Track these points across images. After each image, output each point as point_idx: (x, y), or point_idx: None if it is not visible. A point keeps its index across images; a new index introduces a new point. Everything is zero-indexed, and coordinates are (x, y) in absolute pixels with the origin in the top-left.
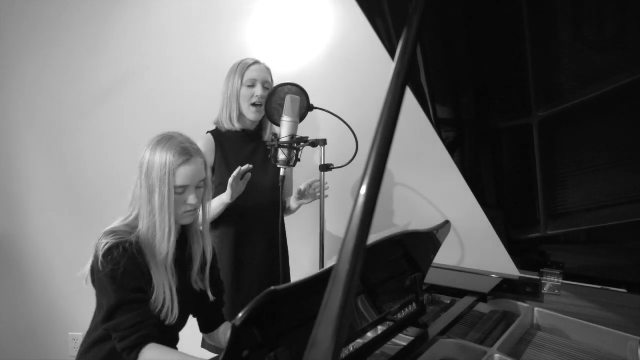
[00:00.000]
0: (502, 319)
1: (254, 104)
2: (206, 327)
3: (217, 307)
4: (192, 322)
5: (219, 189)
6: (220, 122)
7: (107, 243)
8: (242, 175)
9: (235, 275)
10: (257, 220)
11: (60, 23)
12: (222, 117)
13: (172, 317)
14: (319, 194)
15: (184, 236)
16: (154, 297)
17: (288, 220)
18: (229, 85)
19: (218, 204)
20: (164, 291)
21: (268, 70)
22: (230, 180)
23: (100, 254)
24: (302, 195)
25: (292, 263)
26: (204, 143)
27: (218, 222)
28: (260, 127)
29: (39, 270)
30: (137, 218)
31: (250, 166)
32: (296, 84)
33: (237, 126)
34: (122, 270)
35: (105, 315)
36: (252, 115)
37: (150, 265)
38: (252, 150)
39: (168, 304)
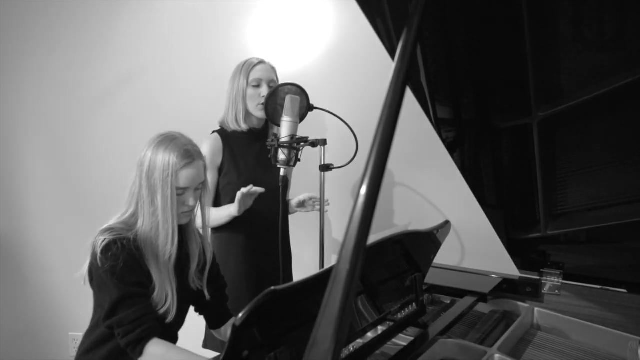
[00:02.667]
0: (502, 319)
1: (261, 104)
2: (214, 323)
3: (222, 302)
4: (194, 323)
5: (227, 189)
6: (225, 122)
7: (105, 240)
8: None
9: (245, 276)
10: (265, 219)
11: (60, 24)
12: (227, 118)
13: (171, 315)
14: (317, 208)
15: (180, 236)
16: (154, 294)
17: (289, 219)
18: (234, 85)
19: (225, 214)
20: (166, 290)
21: (273, 69)
22: (239, 195)
23: (99, 250)
24: (301, 204)
25: (292, 263)
26: (211, 143)
27: (225, 224)
28: (267, 125)
29: (39, 270)
30: (133, 215)
31: (262, 190)
32: (296, 84)
33: (244, 126)
34: (121, 265)
35: (108, 311)
36: (260, 113)
37: (150, 263)
38: (259, 149)
39: (169, 303)
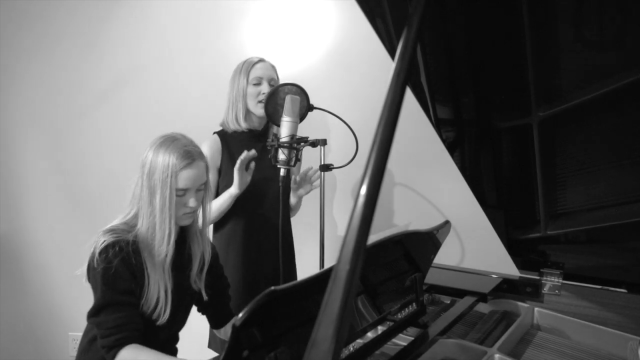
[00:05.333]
0: (502, 319)
1: (261, 101)
2: (216, 323)
3: (224, 302)
4: (199, 324)
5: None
6: (226, 123)
7: (105, 241)
8: (246, 166)
9: (244, 276)
10: (266, 220)
11: (59, 23)
12: (227, 118)
13: (164, 317)
14: (315, 182)
15: (183, 237)
16: (147, 296)
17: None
18: (235, 85)
19: (226, 197)
20: (159, 291)
21: (273, 67)
22: (236, 167)
23: (97, 251)
24: (298, 185)
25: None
26: (211, 144)
27: (226, 222)
28: (267, 127)
29: (39, 270)
30: (135, 216)
31: (254, 152)
32: (296, 84)
33: (244, 126)
34: (113, 270)
35: (92, 310)
36: (260, 111)
37: (146, 264)
38: (260, 150)
39: (161, 304)
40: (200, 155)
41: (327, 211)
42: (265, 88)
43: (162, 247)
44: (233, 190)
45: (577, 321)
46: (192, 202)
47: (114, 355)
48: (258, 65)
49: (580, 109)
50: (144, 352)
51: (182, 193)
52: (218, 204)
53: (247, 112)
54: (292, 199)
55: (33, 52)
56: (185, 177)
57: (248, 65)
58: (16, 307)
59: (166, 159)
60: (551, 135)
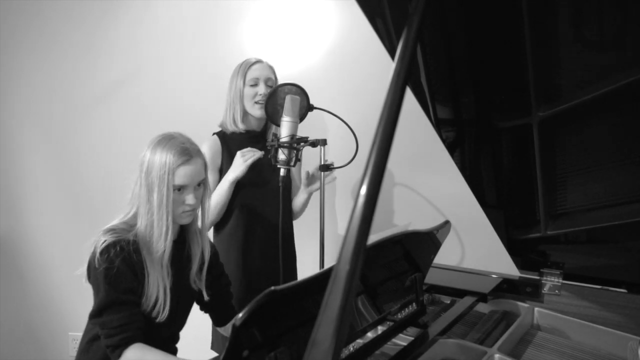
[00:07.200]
0: (502, 319)
1: (257, 102)
2: (219, 321)
3: (226, 300)
4: (201, 326)
5: None
6: (224, 124)
7: (105, 241)
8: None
9: (245, 275)
10: (266, 221)
11: (59, 23)
12: (226, 119)
13: (163, 314)
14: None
15: (183, 236)
16: (147, 294)
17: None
18: (232, 86)
19: (224, 184)
20: (158, 289)
21: (270, 68)
22: (239, 153)
23: (98, 251)
24: (310, 180)
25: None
26: (211, 145)
27: (227, 222)
28: (266, 127)
29: (38, 270)
30: (135, 215)
31: (262, 153)
32: (296, 84)
33: (242, 127)
34: (115, 270)
35: (94, 311)
36: (257, 112)
37: (146, 262)
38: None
39: (160, 301)
40: (198, 152)
41: (327, 211)
42: (262, 89)
43: (160, 243)
44: (230, 176)
45: (577, 321)
46: (190, 200)
47: (119, 355)
48: (255, 67)
49: (580, 109)
50: (150, 352)
51: (180, 190)
52: (217, 194)
53: (245, 114)
54: (303, 196)
55: (33, 52)
56: (183, 174)
57: (245, 67)
58: (16, 307)
59: (163, 157)
60: (551, 135)
